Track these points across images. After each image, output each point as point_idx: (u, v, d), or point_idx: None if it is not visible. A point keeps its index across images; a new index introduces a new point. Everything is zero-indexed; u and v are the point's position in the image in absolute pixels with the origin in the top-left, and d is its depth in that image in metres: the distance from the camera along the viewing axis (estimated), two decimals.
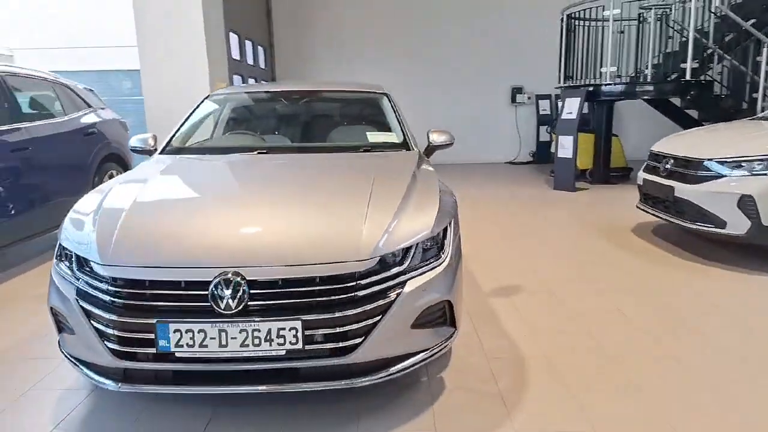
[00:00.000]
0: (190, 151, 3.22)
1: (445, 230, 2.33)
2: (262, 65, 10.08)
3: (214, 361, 1.93)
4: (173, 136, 3.29)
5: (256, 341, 1.90)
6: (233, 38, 8.22)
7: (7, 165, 3.93)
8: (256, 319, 1.89)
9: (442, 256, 2.24)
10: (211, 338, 1.89)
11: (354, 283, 1.98)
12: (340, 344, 1.97)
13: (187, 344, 1.90)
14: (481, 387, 2.40)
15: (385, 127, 3.43)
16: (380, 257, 2.04)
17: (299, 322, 1.90)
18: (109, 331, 1.95)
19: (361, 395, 2.30)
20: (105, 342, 1.97)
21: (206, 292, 1.90)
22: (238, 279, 1.90)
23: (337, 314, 1.93)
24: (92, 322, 1.99)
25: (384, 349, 2.05)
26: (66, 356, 2.16)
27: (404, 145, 3.26)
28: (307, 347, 1.93)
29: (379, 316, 2.00)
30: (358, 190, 2.42)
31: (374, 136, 3.39)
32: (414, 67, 10.86)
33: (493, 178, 9.00)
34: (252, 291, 1.92)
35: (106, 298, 1.97)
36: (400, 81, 10.04)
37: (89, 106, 5.26)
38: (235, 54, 8.33)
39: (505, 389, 2.38)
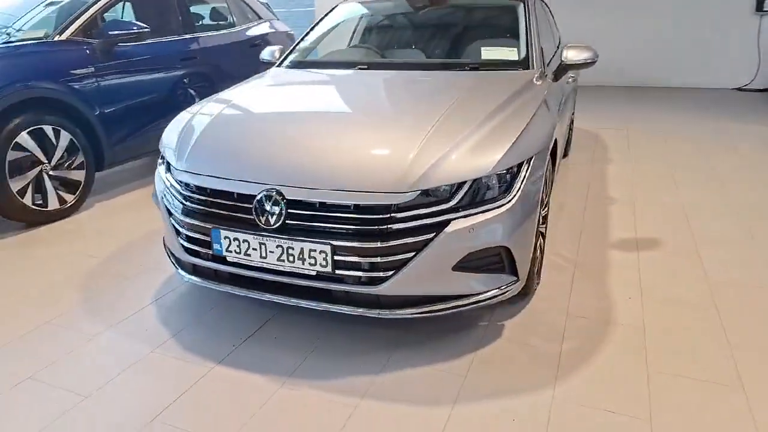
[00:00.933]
0: (302, 65, 3.27)
1: (519, 167, 2.05)
2: None
3: (257, 269, 2.06)
4: (291, 50, 3.37)
5: (291, 258, 1.97)
6: None
7: (177, 73, 4.48)
8: (292, 237, 1.95)
9: (506, 197, 2.00)
10: (253, 249, 2.01)
11: (388, 216, 1.89)
12: (368, 274, 1.93)
13: (234, 251, 2.05)
14: (541, 345, 2.18)
15: (510, 41, 3.04)
16: (422, 191, 1.90)
17: (329, 247, 1.91)
18: (181, 229, 2.20)
19: (408, 328, 2.28)
20: (179, 238, 2.23)
21: (251, 206, 2.00)
22: (278, 197, 1.96)
23: (367, 244, 1.89)
24: (171, 219, 2.26)
25: (418, 286, 1.97)
26: (163, 245, 2.52)
27: (523, 63, 2.87)
28: (337, 272, 1.94)
29: (413, 253, 1.91)
30: (429, 114, 2.24)
31: (489, 52, 3.04)
32: None
33: (709, 110, 7.45)
34: (290, 210, 1.96)
35: (179, 199, 2.21)
36: None
37: (260, 17, 5.66)
38: None
39: (567, 352, 2.13)
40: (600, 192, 4.03)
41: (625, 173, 4.51)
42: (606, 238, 3.19)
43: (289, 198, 1.96)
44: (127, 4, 4.51)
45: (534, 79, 2.70)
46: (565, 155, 4.93)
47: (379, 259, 1.91)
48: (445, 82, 2.70)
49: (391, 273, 1.92)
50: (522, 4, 3.23)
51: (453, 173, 1.94)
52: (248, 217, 2.02)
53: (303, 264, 1.97)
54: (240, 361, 2.11)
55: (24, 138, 3.34)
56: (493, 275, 2.08)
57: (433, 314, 2.03)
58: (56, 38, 3.69)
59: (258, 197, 1.99)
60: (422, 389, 1.93)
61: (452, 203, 1.93)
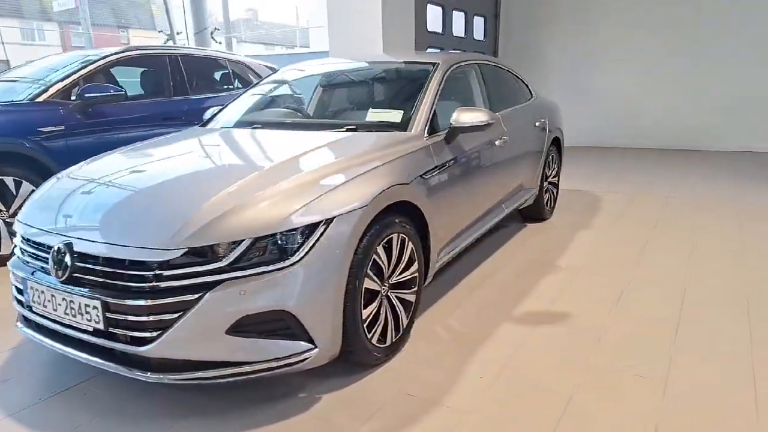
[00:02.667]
0: (209, 124, 3.36)
1: (312, 227, 1.96)
2: (478, 36, 9.70)
3: (55, 322, 2.09)
4: (218, 111, 3.50)
5: (72, 312, 1.99)
6: (434, 10, 8.12)
7: (155, 131, 4.80)
8: (73, 290, 1.97)
9: (290, 258, 1.91)
10: (47, 300, 2.05)
11: (155, 273, 1.87)
12: (136, 334, 1.89)
13: (36, 301, 2.11)
14: (343, 423, 1.99)
15: (407, 104, 2.98)
16: (189, 248, 1.86)
17: (99, 302, 1.90)
18: (11, 277, 2.30)
19: (213, 395, 2.17)
20: (12, 288, 2.32)
21: (48, 256, 2.06)
22: (67, 249, 2.00)
23: (135, 302, 1.86)
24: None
25: (189, 349, 1.89)
26: None
27: (401, 125, 2.79)
28: (110, 329, 1.92)
29: (179, 313, 1.85)
30: (244, 171, 2.26)
31: (376, 114, 2.99)
32: (688, 33, 8.72)
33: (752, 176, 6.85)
34: (78, 263, 1.99)
35: (17, 248, 2.32)
36: (663, 50, 8.38)
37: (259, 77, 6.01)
38: (436, 27, 8.23)
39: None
40: (552, 258, 3.73)
41: (597, 240, 4.16)
42: (513, 310, 2.91)
43: (77, 251, 2.00)
44: (135, 68, 5.01)
45: (405, 141, 2.62)
46: (541, 219, 4.65)
47: (145, 318, 1.87)
48: (306, 141, 2.68)
49: (157, 334, 1.87)
50: (432, 69, 3.16)
51: (229, 231, 1.89)
52: (47, 267, 2.07)
53: (82, 318, 1.97)
54: (32, 416, 2.09)
55: None
56: (282, 342, 1.96)
57: (209, 381, 1.93)
58: (36, 99, 4.13)
59: (55, 248, 2.04)
60: None
61: (224, 263, 1.87)
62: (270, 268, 1.89)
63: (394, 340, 2.41)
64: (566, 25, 9.72)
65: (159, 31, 9.24)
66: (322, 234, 1.98)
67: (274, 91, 3.64)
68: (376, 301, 2.28)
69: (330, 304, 2.01)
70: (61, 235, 2.07)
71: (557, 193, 5.04)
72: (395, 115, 2.88)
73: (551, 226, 4.61)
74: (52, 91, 4.22)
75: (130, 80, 5.17)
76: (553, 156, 4.77)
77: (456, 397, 2.13)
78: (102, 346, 1.99)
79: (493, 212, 3.56)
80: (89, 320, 1.95)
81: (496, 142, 3.42)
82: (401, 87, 3.26)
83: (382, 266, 2.29)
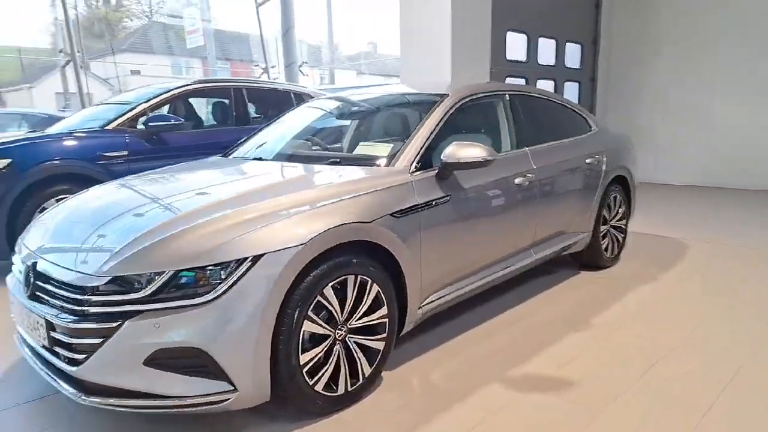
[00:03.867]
0: (227, 155, 3.43)
1: (237, 264, 1.89)
2: (572, 64, 9.16)
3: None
4: (242, 142, 3.59)
5: (31, 326, 2.09)
6: (515, 38, 7.82)
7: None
8: (32, 307, 2.07)
9: (209, 294, 1.85)
10: (20, 314, 2.19)
11: (85, 297, 1.90)
12: (68, 354, 1.94)
13: (15, 314, 2.26)
14: None
15: (403, 138, 2.83)
16: (114, 277, 1.88)
17: (44, 321, 1.98)
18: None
19: (164, 422, 2.15)
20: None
21: (21, 274, 2.20)
22: (32, 267, 2.13)
23: (65, 323, 1.92)
24: None
25: (113, 375, 1.90)
26: None
27: (387, 160, 2.64)
28: (54, 347, 1.99)
29: (102, 339, 1.86)
30: (196, 201, 2.29)
31: (366, 147, 2.86)
32: None
33: None
34: (37, 281, 2.10)
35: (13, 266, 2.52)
36: None
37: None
38: (517, 55, 7.90)
39: None
40: (587, 313, 3.30)
41: (653, 298, 3.62)
42: (511, 369, 2.58)
43: (38, 269, 2.11)
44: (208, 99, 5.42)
45: (382, 176, 2.48)
46: (598, 267, 4.16)
47: (75, 341, 1.91)
48: (282, 173, 2.64)
49: (83, 357, 1.90)
50: (438, 101, 2.98)
51: (152, 262, 1.89)
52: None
53: (35, 334, 2.07)
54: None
55: (51, 203, 4.14)
56: (200, 380, 1.89)
57: (133, 410, 1.91)
58: (106, 127, 4.58)
59: (25, 265, 2.18)
60: None
61: (145, 293, 1.86)
62: (187, 302, 1.85)
63: (349, 389, 2.24)
64: (676, 50, 8.84)
65: (255, 65, 9.98)
66: (246, 271, 1.90)
67: (290, 122, 3.66)
68: (322, 346, 2.13)
69: (251, 346, 1.90)
70: (34, 255, 2.20)
71: (624, 238, 4.48)
72: (383, 149, 2.75)
73: (608, 276, 4.10)
74: (120, 120, 4.65)
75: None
76: (616, 197, 4.27)
77: None
78: (51, 363, 2.07)
79: (515, 258, 3.23)
80: (39, 336, 2.04)
81: (516, 180, 3.12)
82: (404, 120, 3.11)
83: (332, 309, 2.15)
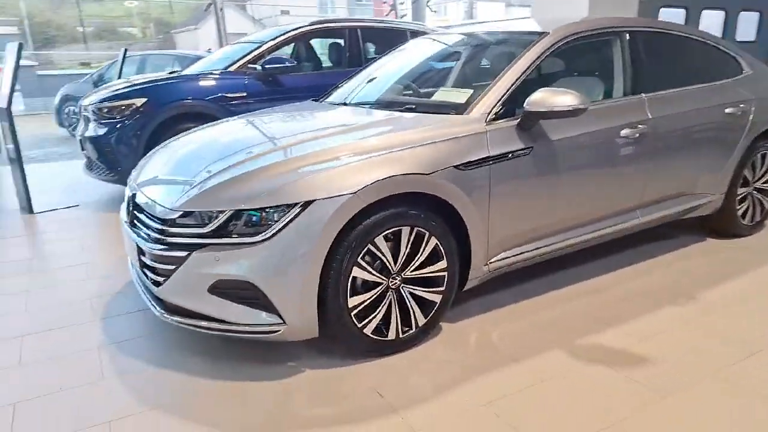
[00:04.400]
0: (317, 99, 3.49)
1: (288, 208, 1.98)
2: None
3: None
4: (337, 86, 3.61)
5: (130, 250, 2.42)
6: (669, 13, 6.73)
7: None
8: (130, 232, 2.38)
9: (261, 234, 1.98)
10: (125, 239, 2.53)
11: (164, 228, 2.14)
12: (153, 276, 2.21)
13: (125, 240, 2.61)
14: (303, 405, 2.01)
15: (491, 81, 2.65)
16: (185, 212, 2.09)
17: (136, 245, 2.28)
18: None
19: (233, 343, 2.41)
20: None
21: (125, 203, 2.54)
22: (132, 199, 2.44)
23: (152, 250, 2.17)
24: None
25: (186, 298, 2.14)
26: None
27: (462, 107, 2.50)
28: (143, 269, 2.29)
29: (175, 266, 2.10)
30: (267, 146, 2.41)
31: (443, 94, 2.70)
32: None
33: None
34: (134, 211, 2.40)
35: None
36: None
37: None
38: None
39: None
40: (696, 287, 2.95)
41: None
42: (581, 339, 2.43)
43: (136, 201, 2.41)
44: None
45: (451, 125, 2.38)
46: (732, 234, 3.65)
47: (156, 265, 2.17)
48: (354, 119, 2.65)
49: (163, 279, 2.16)
50: (535, 40, 2.72)
51: (216, 201, 2.05)
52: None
53: (132, 256, 2.39)
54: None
55: None
56: (252, 310, 2.06)
57: (204, 330, 2.14)
58: (228, 69, 4.91)
59: (127, 197, 2.50)
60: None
61: (208, 228, 2.03)
62: (243, 240, 1.99)
63: (401, 336, 2.29)
64: None
65: (384, 2, 9.90)
66: (296, 216, 1.98)
67: (384, 66, 3.59)
68: (372, 292, 2.18)
69: (298, 285, 2.01)
70: (135, 188, 2.51)
71: None
72: (461, 96, 2.60)
73: (738, 246, 3.58)
74: (241, 62, 4.96)
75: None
76: (765, 155, 3.64)
77: (419, 414, 1.93)
78: (143, 282, 2.40)
79: (613, 219, 2.94)
80: (134, 259, 2.36)
81: (623, 132, 2.79)
82: (496, 62, 2.88)
83: (384, 258, 2.17)
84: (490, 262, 2.52)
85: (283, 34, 5.24)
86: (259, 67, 4.94)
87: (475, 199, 2.34)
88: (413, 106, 2.70)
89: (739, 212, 3.65)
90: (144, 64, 9.94)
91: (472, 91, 2.62)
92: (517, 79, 2.55)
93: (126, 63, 12.64)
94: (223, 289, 2.05)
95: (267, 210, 2.00)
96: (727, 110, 3.32)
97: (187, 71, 5.39)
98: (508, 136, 2.45)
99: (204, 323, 2.13)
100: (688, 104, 3.15)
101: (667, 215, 3.22)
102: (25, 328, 2.64)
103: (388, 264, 2.19)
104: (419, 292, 2.31)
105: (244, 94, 4.85)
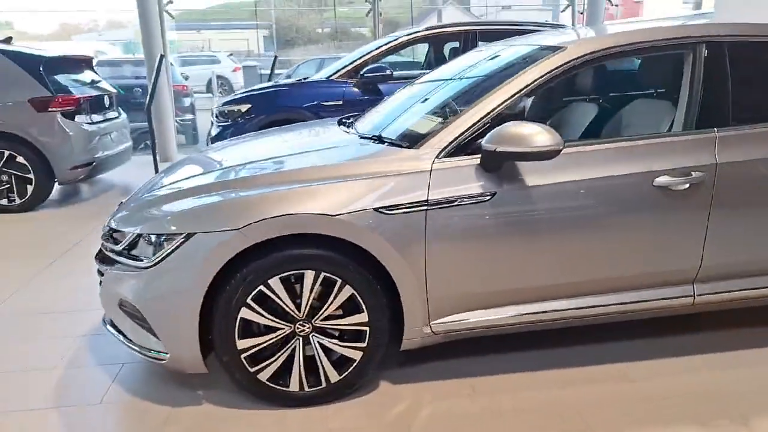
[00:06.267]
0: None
1: (171, 237, 1.94)
2: None
3: None
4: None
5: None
6: None
7: None
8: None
9: (147, 260, 1.98)
10: None
11: (102, 241, 2.26)
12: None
13: None
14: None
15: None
16: (111, 229, 2.19)
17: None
18: None
19: None
20: None
21: None
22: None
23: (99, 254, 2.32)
24: None
25: (106, 310, 2.24)
26: None
27: (419, 139, 2.11)
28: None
29: (100, 278, 2.23)
30: (205, 172, 2.43)
31: (421, 123, 2.26)
32: None
33: None
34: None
35: None
36: None
37: None
38: None
39: None
40: (744, 403, 2.07)
41: None
42: None
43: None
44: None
45: (394, 160, 2.05)
46: None
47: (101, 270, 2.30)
48: (311, 145, 2.50)
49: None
50: (543, 59, 2.15)
51: (127, 222, 2.12)
52: None
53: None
54: None
55: None
56: (146, 333, 2.06)
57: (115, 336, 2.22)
58: (331, 77, 5.02)
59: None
60: None
61: (119, 248, 2.10)
62: (134, 263, 2.01)
63: (306, 389, 2.07)
64: None
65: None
66: (178, 247, 1.92)
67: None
68: (268, 337, 2.01)
69: (177, 318, 1.95)
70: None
71: None
72: (428, 125, 2.20)
73: None
74: (344, 70, 5.02)
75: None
76: None
77: None
78: None
79: (647, 292, 2.21)
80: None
81: (660, 180, 2.07)
82: (490, 84, 2.34)
83: (281, 303, 1.98)
84: (434, 324, 2.11)
85: (394, 40, 5.15)
86: (358, 76, 4.95)
87: (405, 249, 1.98)
88: (377, 137, 2.37)
89: None
90: (321, 65, 10.81)
91: (440, 119, 2.21)
92: (497, 107, 2.07)
93: (307, 65, 13.89)
94: (126, 307, 2.10)
95: (157, 236, 1.98)
96: None
97: (315, 77, 5.68)
98: (463, 177, 2.01)
99: (122, 338, 2.21)
100: None
101: (736, 298, 2.29)
102: None
103: (287, 309, 2.00)
104: (331, 344, 2.05)
105: (340, 102, 4.91)
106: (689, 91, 2.16)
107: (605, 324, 2.32)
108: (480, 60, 2.72)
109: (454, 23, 5.54)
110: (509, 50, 2.63)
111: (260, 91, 5.08)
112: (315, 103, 4.90)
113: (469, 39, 5.09)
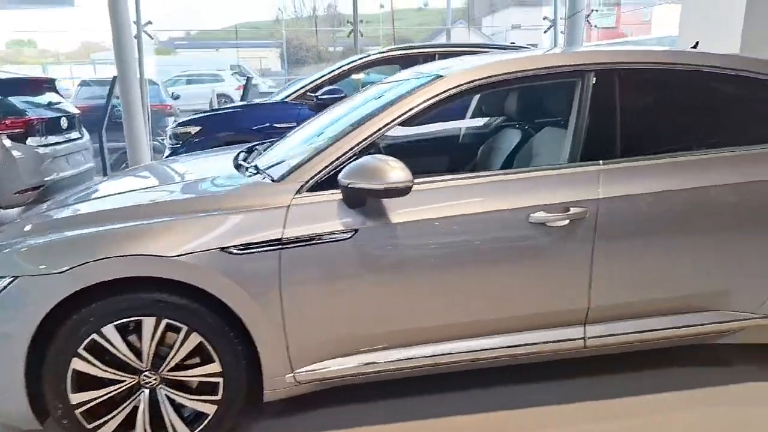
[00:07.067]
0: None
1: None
2: None
3: None
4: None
5: None
6: None
7: None
8: None
9: None
10: None
11: None
12: None
13: None
14: None
15: None
16: None
17: None
18: None
19: None
20: None
21: None
22: None
23: None
24: None
25: None
26: None
27: (285, 173, 1.92)
28: None
29: None
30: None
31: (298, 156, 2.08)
32: None
33: None
34: None
35: None
36: None
37: None
38: None
39: None
40: None
41: None
42: None
43: None
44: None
45: (251, 195, 1.87)
46: None
47: None
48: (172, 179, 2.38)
49: None
50: (424, 86, 1.97)
51: None
52: None
53: None
54: None
55: None
56: None
57: None
58: (286, 99, 4.88)
59: None
60: None
61: None
62: None
63: None
64: None
65: (544, 18, 8.65)
66: (4, 289, 1.73)
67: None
68: (106, 390, 1.81)
69: (1, 368, 1.76)
70: None
71: None
72: (300, 158, 2.00)
73: None
74: (300, 92, 4.88)
75: None
76: None
77: None
78: None
79: (532, 334, 1.98)
80: None
81: (536, 215, 1.85)
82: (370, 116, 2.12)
83: (118, 353, 1.78)
84: (298, 372, 1.90)
85: (347, 64, 5.01)
86: (313, 98, 4.79)
87: (259, 293, 1.78)
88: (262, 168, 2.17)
89: None
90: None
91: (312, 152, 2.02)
92: (365, 139, 1.89)
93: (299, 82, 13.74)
94: None
95: None
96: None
97: (273, 99, 5.55)
98: (324, 213, 1.82)
99: None
100: (689, 177, 1.97)
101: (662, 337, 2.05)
102: None
103: (128, 360, 1.80)
104: (179, 398, 1.85)
105: (294, 123, 4.71)
106: (576, 122, 1.96)
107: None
108: (377, 90, 2.53)
109: (410, 45, 5.40)
110: (399, 79, 2.45)
111: (211, 113, 4.96)
112: (267, 125, 4.74)
113: (420, 61, 4.91)
